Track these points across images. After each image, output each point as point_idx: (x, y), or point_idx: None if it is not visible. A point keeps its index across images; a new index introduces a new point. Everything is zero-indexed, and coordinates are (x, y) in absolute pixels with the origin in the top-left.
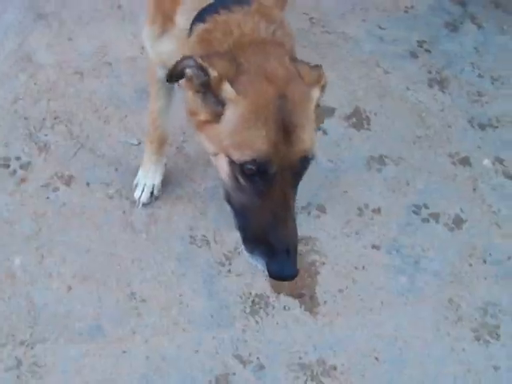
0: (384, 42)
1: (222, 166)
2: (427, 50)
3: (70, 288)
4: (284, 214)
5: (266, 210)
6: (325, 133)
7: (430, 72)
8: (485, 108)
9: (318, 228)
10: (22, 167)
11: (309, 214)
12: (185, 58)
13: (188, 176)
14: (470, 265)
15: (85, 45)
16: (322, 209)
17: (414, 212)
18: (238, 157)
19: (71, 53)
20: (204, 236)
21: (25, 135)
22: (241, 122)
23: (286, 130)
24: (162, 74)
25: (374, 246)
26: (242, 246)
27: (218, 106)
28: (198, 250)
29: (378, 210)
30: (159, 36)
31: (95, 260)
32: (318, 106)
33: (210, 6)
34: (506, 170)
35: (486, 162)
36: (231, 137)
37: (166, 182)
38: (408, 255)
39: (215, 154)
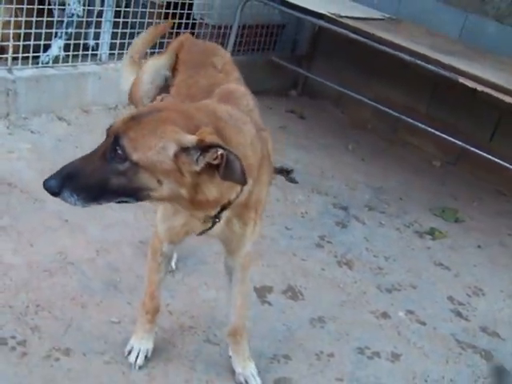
0: (293, 239)
1: None
2: (329, 242)
3: None
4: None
5: None
6: (270, 304)
7: (336, 256)
8: (386, 278)
9: (288, 371)
10: (19, 344)
11: (278, 361)
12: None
13: (170, 342)
14: None
15: (46, 249)
16: (287, 357)
17: (360, 353)
18: None
19: (36, 255)
20: None
21: (13, 319)
22: None
23: (132, 120)
24: (167, 249)
25: (337, 379)
26: None
27: None
28: None
29: (331, 354)
30: (173, 214)
31: None
32: (186, 149)
33: None
34: (418, 318)
35: (401, 314)
36: None
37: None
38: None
39: None
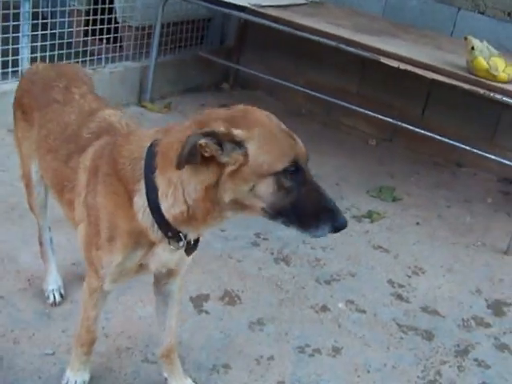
0: (228, 240)
1: (267, 189)
2: (265, 239)
3: None
4: (319, 187)
5: (310, 192)
6: (207, 313)
7: (272, 253)
8: (324, 269)
9: (229, 381)
10: None
11: (218, 372)
12: (189, 137)
13: (107, 367)
14: (359, 376)
15: None
16: (227, 366)
17: (300, 351)
18: (281, 165)
19: None
20: None
21: None
22: (266, 144)
23: (289, 136)
24: (109, 288)
25: (279, 382)
26: (306, 235)
27: (239, 150)
28: None
29: (271, 357)
30: (132, 250)
31: None
32: None
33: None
34: (358, 307)
35: (341, 305)
36: (267, 157)
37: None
38: (307, 383)
39: (251, 189)
